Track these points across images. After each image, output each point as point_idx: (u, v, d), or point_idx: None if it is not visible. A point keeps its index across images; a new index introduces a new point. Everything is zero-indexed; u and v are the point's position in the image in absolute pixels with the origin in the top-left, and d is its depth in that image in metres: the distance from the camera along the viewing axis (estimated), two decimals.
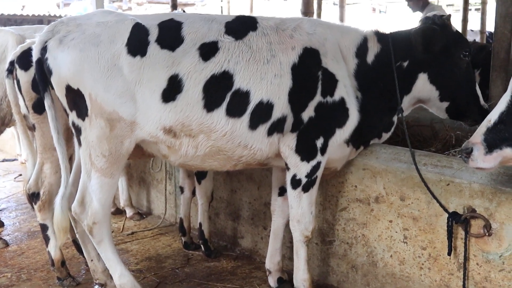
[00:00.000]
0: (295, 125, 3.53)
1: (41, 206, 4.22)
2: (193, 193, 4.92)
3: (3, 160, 8.71)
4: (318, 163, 3.60)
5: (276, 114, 3.46)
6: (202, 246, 4.84)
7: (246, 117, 3.42)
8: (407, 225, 3.63)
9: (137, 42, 3.37)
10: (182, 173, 4.94)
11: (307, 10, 6.89)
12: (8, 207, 6.33)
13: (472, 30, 12.24)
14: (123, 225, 5.58)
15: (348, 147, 3.73)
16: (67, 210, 3.59)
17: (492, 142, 2.78)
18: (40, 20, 18.48)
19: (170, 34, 3.43)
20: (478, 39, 11.17)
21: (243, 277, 4.41)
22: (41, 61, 3.46)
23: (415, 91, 3.78)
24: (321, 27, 3.68)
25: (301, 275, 3.85)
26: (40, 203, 4.23)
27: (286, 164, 3.65)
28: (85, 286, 4.27)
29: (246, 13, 13.91)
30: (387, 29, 3.90)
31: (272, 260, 4.16)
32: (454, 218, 3.27)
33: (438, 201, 3.36)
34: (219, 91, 3.38)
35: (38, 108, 3.99)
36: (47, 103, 3.52)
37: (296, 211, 3.70)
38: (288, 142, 3.55)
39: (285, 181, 3.73)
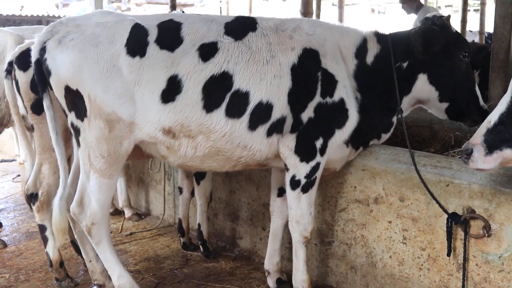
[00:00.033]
0: (294, 125, 3.52)
1: (40, 206, 4.21)
2: (192, 193, 4.92)
3: (2, 161, 8.69)
4: (318, 164, 3.59)
5: (275, 115, 3.46)
6: (201, 246, 4.84)
7: (245, 118, 3.41)
8: (406, 226, 3.62)
9: (136, 42, 3.36)
10: (181, 173, 4.94)
11: (306, 10, 6.91)
12: (7, 207, 6.31)
13: (471, 31, 12.27)
14: (122, 226, 5.57)
15: (348, 148, 3.73)
16: (65, 211, 3.58)
17: (492, 143, 2.78)
18: (39, 20, 18.48)
19: (170, 34, 3.42)
20: (477, 40, 11.18)
21: (242, 278, 4.40)
22: (40, 62, 3.45)
23: (415, 92, 3.78)
24: (320, 28, 3.68)
25: (300, 276, 3.84)
26: (38, 203, 4.22)
27: (285, 165, 3.64)
28: (84, 287, 4.26)
29: (245, 13, 13.92)
30: (386, 30, 3.90)
31: (271, 260, 4.16)
32: (454, 219, 3.27)
33: (437, 202, 3.36)
34: (219, 92, 3.38)
35: (37, 108, 3.98)
36: (46, 103, 3.51)
37: (295, 212, 3.69)
38: (287, 143, 3.55)
39: (284, 181, 3.73)
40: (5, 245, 5.09)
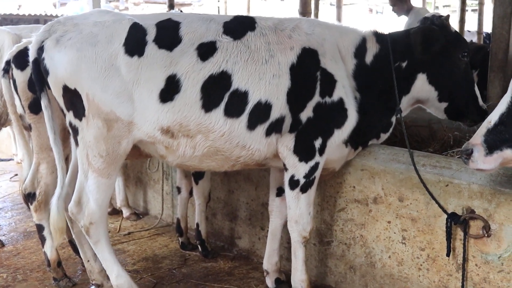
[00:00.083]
0: (293, 125, 3.51)
1: (37, 206, 4.20)
2: (190, 193, 4.91)
3: None
4: (316, 164, 3.58)
5: (274, 115, 3.45)
6: (199, 246, 4.83)
7: (244, 118, 3.40)
8: (405, 226, 3.62)
9: (134, 42, 3.35)
10: (179, 173, 4.93)
11: (304, 10, 6.90)
12: (4, 207, 6.30)
13: (469, 31, 12.28)
14: (120, 226, 5.56)
15: (347, 147, 3.72)
16: (63, 210, 3.58)
17: (492, 143, 2.77)
18: (36, 19, 18.42)
19: (168, 34, 3.41)
20: (475, 40, 11.19)
21: (241, 278, 4.40)
22: (38, 61, 3.43)
23: (414, 92, 3.77)
24: (319, 28, 3.67)
25: (299, 276, 3.83)
26: (36, 203, 4.20)
27: (284, 165, 3.64)
28: (82, 286, 4.25)
29: (244, 13, 13.91)
30: (385, 30, 3.90)
31: (269, 260, 4.15)
32: (453, 219, 3.27)
33: (437, 202, 3.35)
34: (217, 91, 3.37)
35: (35, 108, 3.97)
36: (43, 103, 3.49)
37: (294, 212, 3.68)
38: (286, 143, 3.54)
39: (283, 181, 3.72)
40: (2, 244, 5.08)
